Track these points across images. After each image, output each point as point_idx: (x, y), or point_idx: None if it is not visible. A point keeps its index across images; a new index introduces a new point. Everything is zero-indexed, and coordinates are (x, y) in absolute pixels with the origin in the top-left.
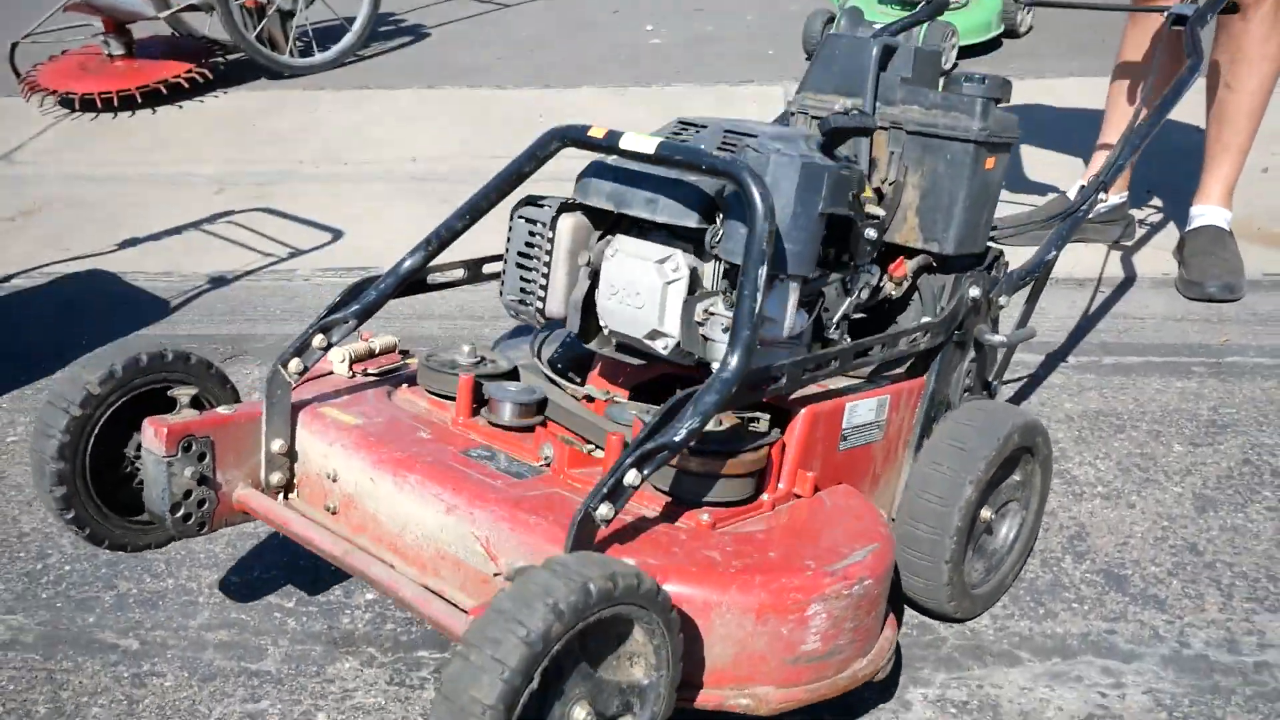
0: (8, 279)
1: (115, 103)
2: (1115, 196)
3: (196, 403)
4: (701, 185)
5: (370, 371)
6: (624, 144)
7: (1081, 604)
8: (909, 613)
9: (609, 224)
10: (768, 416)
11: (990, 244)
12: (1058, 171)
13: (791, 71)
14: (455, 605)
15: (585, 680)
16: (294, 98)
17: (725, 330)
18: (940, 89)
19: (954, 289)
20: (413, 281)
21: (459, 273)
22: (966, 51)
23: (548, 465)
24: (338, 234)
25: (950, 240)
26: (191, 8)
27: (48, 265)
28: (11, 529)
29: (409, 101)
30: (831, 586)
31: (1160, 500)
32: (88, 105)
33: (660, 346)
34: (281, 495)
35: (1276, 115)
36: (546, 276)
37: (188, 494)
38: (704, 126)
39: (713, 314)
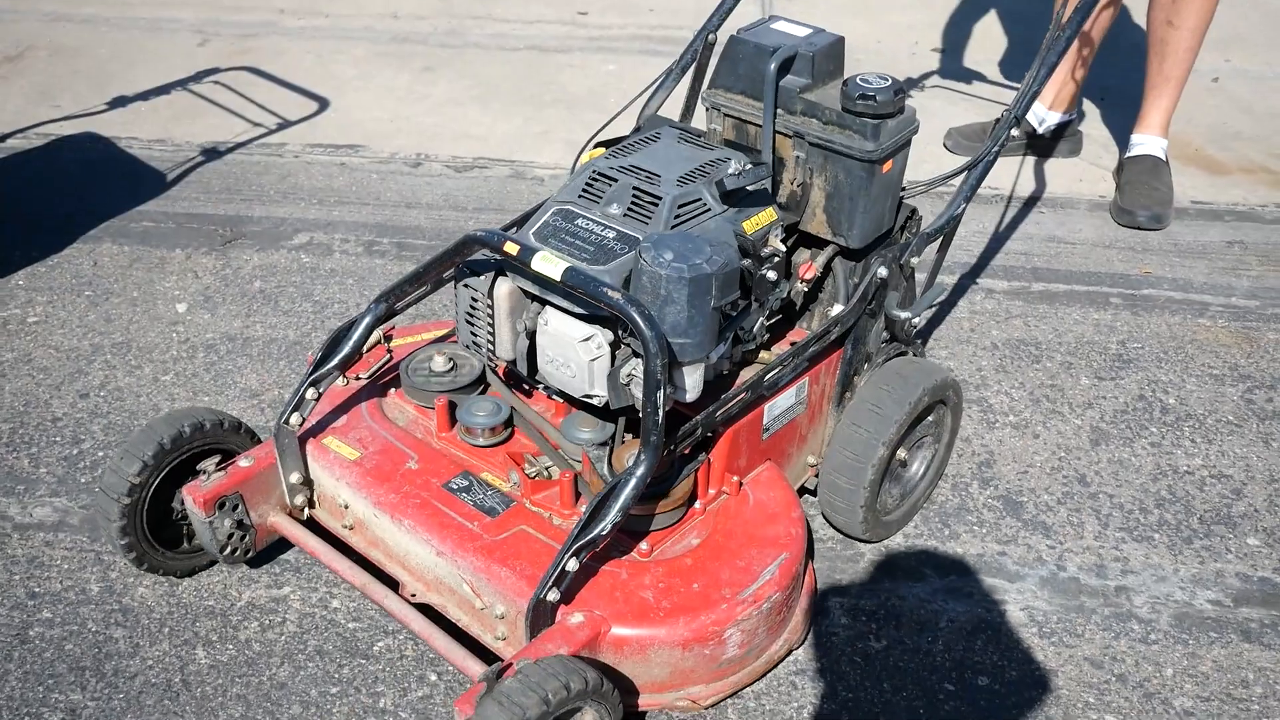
0: (4, 139)
1: None
2: (1063, 115)
3: (222, 455)
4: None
5: (361, 375)
6: (534, 265)
7: (981, 527)
8: (834, 531)
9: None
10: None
11: (904, 201)
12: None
13: None
14: (455, 637)
15: None
16: None
17: (674, 390)
18: (841, 87)
19: (863, 271)
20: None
21: (425, 288)
22: None
23: (516, 487)
24: (324, 103)
25: (855, 236)
26: None
27: (41, 125)
28: (45, 413)
29: None
30: (744, 612)
31: (1061, 432)
32: None
33: (596, 401)
34: (306, 509)
35: (1228, 21)
36: (492, 333)
37: (231, 536)
38: (615, 180)
39: (635, 376)
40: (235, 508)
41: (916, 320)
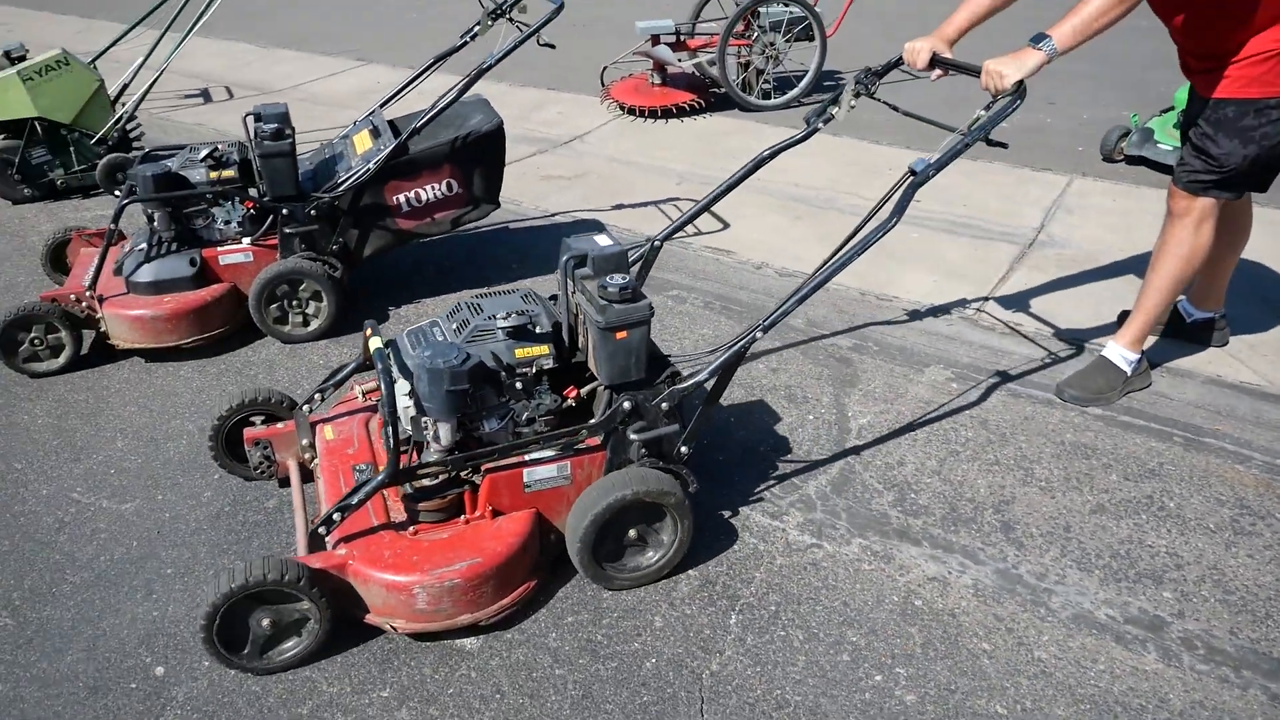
0: (553, 215)
1: (647, 114)
2: (1207, 312)
3: (270, 418)
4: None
5: (371, 400)
6: (369, 345)
7: (979, 533)
8: (882, 499)
9: None
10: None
11: (671, 361)
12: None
13: (1082, 168)
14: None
15: (271, 610)
16: (748, 126)
17: (434, 437)
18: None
19: (615, 401)
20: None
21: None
22: None
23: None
24: (726, 225)
25: (604, 377)
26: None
27: (574, 211)
28: None
29: (815, 141)
30: (426, 582)
31: (1073, 501)
32: (632, 112)
33: (415, 437)
34: (313, 460)
35: None
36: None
37: (261, 462)
38: (461, 310)
39: (427, 427)
40: (266, 448)
41: (684, 450)
